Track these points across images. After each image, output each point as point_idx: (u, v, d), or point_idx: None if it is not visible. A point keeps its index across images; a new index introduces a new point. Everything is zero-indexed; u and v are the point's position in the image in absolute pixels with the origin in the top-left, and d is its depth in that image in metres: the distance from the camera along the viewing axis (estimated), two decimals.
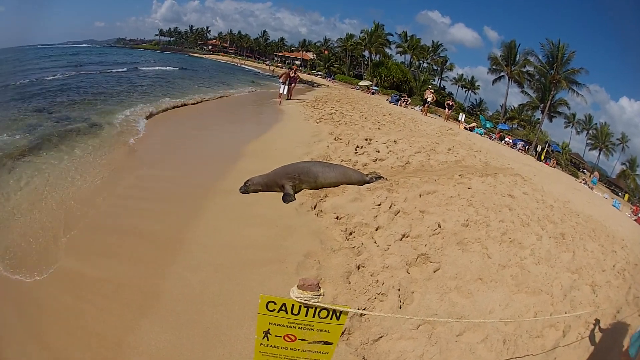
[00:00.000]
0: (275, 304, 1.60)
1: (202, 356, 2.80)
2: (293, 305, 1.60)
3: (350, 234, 4.74)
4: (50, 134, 7.93)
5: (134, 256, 3.93)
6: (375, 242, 4.60)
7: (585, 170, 38.68)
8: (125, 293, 3.37)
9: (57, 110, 10.62)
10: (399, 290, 3.77)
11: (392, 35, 56.65)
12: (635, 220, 17.45)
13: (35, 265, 3.69)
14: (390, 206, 5.52)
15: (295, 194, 5.72)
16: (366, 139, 10.00)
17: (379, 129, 12.86)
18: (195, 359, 2.77)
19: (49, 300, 3.26)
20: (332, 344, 1.74)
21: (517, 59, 43.51)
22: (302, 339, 1.70)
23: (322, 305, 1.60)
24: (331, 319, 1.65)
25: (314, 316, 1.64)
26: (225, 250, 4.10)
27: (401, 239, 4.73)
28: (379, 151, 9.02)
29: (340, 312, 1.64)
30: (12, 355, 2.77)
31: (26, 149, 6.81)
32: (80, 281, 3.50)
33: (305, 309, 1.62)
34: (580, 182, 23.91)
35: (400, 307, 3.57)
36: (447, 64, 56.66)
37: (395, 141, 10.35)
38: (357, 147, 9.10)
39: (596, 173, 29.26)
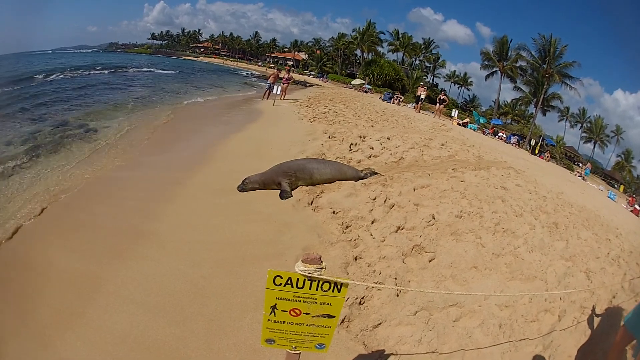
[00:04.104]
0: (281, 278, 1.71)
1: (207, 347, 2.88)
2: (298, 279, 1.71)
3: (347, 227, 4.84)
4: (49, 139, 8.06)
5: (135, 255, 4.00)
6: (371, 235, 4.70)
7: (580, 164, 38.94)
8: (128, 290, 3.44)
9: (52, 117, 10.71)
10: (395, 279, 3.87)
11: (384, 33, 56.93)
12: (631, 211, 17.57)
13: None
14: (385, 200, 5.62)
15: (292, 191, 5.81)
16: (360, 137, 10.08)
17: (372, 126, 12.94)
18: (200, 350, 2.85)
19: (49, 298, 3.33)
20: (334, 317, 1.84)
21: (510, 54, 43.79)
22: (307, 313, 1.81)
23: (324, 277, 1.71)
24: (333, 291, 1.76)
25: (317, 289, 1.75)
26: (226, 247, 4.19)
27: (396, 231, 4.83)
28: (372, 148, 9.10)
29: (341, 285, 1.75)
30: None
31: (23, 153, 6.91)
32: (82, 278, 3.58)
33: (309, 282, 1.72)
34: (575, 174, 24.06)
35: (397, 295, 3.66)
36: (440, 60, 56.93)
37: (388, 138, 10.43)
38: (351, 144, 9.19)
39: (589, 164, 29.45)
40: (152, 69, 36.90)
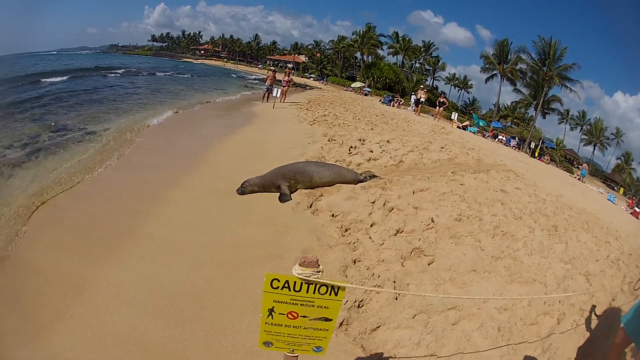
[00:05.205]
0: (279, 281, 1.71)
1: (206, 349, 2.88)
2: (295, 282, 1.72)
3: (346, 230, 4.84)
4: (49, 141, 8.10)
5: (134, 256, 3.99)
6: (370, 238, 4.71)
7: (579, 166, 38.95)
8: (128, 291, 3.44)
9: (54, 119, 10.76)
10: (394, 282, 3.88)
11: (384, 36, 57.07)
12: (631, 213, 17.54)
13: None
14: (385, 203, 5.63)
15: (292, 194, 5.82)
16: (360, 140, 10.10)
17: (372, 129, 12.97)
18: (199, 353, 2.85)
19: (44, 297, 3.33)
20: (331, 320, 1.84)
21: (510, 56, 43.83)
22: (304, 316, 1.81)
23: (321, 281, 1.71)
24: (330, 294, 1.77)
25: (314, 292, 1.75)
26: (226, 249, 4.20)
27: (395, 234, 4.85)
28: (372, 151, 9.13)
29: (338, 288, 1.75)
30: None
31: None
32: (81, 280, 3.58)
33: (306, 285, 1.73)
34: (575, 177, 24.06)
35: (396, 299, 3.67)
36: (440, 63, 57.05)
37: (388, 141, 10.45)
38: (351, 147, 9.21)
39: (585, 165, 29.31)
40: (155, 72, 36.98)
